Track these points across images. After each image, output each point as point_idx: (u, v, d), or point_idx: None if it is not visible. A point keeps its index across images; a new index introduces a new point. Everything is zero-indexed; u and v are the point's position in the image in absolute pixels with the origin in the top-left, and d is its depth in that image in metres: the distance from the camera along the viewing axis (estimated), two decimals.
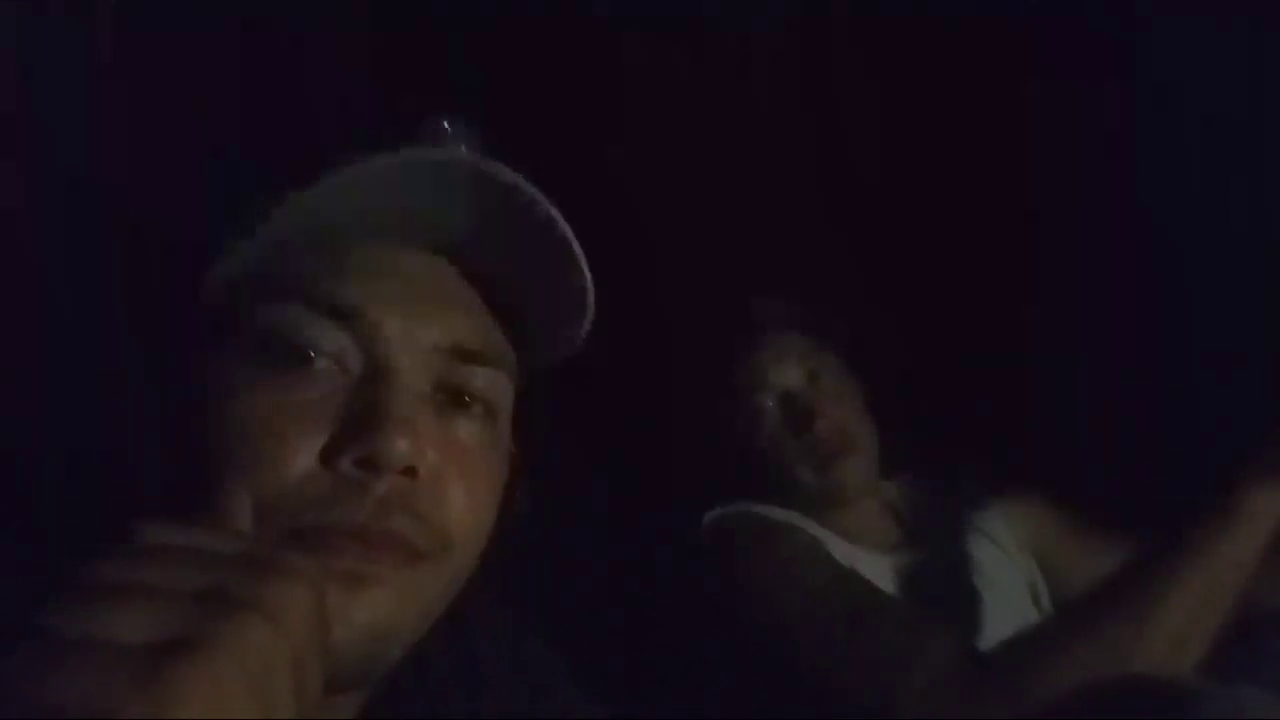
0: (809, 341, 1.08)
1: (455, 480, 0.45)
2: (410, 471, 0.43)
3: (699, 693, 0.94)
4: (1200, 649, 0.71)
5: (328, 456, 0.42)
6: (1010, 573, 1.07)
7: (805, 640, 0.83)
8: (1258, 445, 0.75)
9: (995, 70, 1.30)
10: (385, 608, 0.42)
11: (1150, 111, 1.24)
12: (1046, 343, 1.34)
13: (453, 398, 0.47)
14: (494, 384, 0.49)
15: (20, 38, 0.81)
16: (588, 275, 0.49)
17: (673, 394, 1.17)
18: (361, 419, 0.43)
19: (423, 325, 0.46)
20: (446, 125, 0.49)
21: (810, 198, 1.39)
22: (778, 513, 1.01)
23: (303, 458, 0.42)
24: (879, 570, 0.99)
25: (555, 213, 0.47)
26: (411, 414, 0.44)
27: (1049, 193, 1.35)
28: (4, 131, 0.76)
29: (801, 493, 1.03)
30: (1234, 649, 0.73)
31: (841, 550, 0.99)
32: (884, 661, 0.78)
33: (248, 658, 0.29)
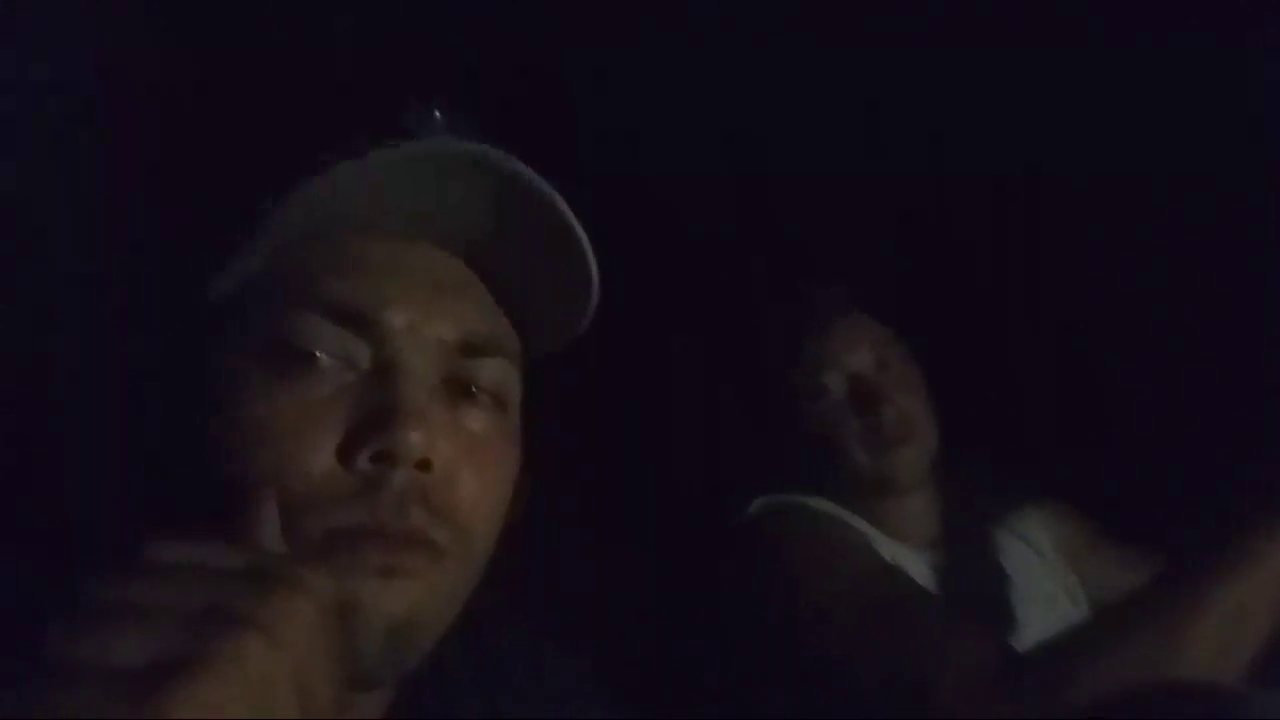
0: (881, 328, 1.07)
1: (468, 471, 0.45)
2: (425, 464, 0.43)
3: (734, 684, 0.94)
4: (1242, 659, 0.69)
5: (344, 454, 0.42)
6: (1046, 576, 1.06)
7: (845, 631, 0.83)
8: None
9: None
10: (416, 597, 0.42)
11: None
12: (1090, 350, 1.35)
13: (461, 390, 0.47)
14: (501, 374, 0.49)
15: (28, 42, 0.82)
16: (592, 260, 0.49)
17: (724, 375, 1.17)
18: (374, 415, 0.43)
19: (430, 321, 0.46)
20: (438, 114, 0.48)
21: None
22: (823, 504, 1.00)
23: (321, 457, 0.42)
24: (918, 566, 0.99)
25: (557, 197, 0.47)
26: (423, 408, 0.44)
27: (1077, 196, 1.36)
28: (10, 134, 0.77)
29: (853, 477, 1.02)
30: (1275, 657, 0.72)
31: (883, 545, 0.98)
32: (921, 656, 0.78)
33: (245, 676, 0.29)
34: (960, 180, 1.41)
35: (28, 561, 0.40)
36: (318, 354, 0.44)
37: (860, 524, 1.00)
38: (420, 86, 0.49)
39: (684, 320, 1.31)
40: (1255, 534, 0.71)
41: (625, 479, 1.24)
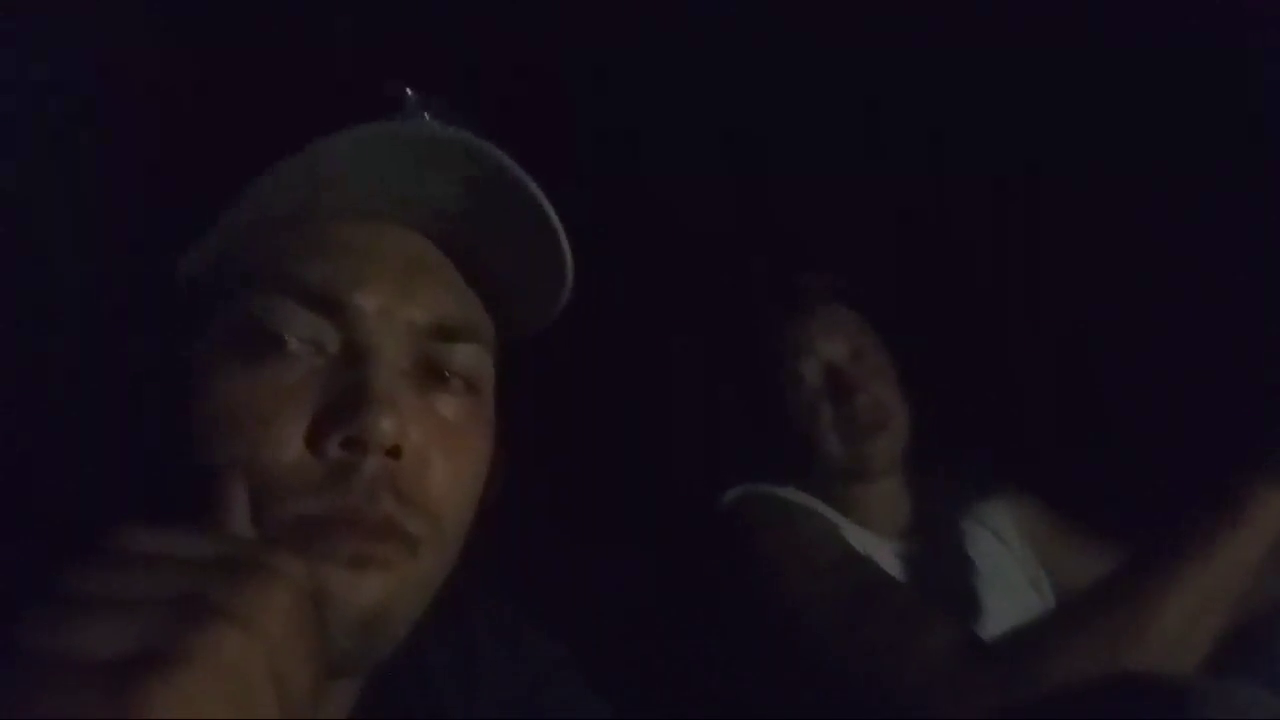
0: (857, 317, 1.09)
1: (440, 457, 0.45)
2: (395, 451, 0.42)
3: (708, 672, 0.95)
4: (1201, 648, 0.71)
5: (313, 440, 0.42)
6: (1012, 566, 1.08)
7: (814, 620, 0.85)
8: (1265, 446, 0.75)
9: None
10: (389, 587, 0.42)
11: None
12: (1090, 350, 1.35)
13: (433, 374, 0.47)
14: (474, 359, 0.48)
15: (28, 42, 0.82)
16: (565, 244, 0.48)
17: (697, 364, 1.18)
18: (344, 400, 0.42)
19: (401, 304, 0.45)
20: (410, 94, 0.48)
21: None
22: (794, 494, 1.02)
23: (290, 443, 0.41)
24: (887, 556, 1.01)
25: (528, 180, 0.46)
26: (393, 393, 0.43)
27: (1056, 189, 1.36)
28: (10, 134, 0.77)
29: (826, 465, 1.03)
30: (1235, 646, 0.73)
31: (853, 534, 0.99)
32: (889, 645, 0.79)
33: (222, 669, 0.29)
34: (960, 180, 1.41)
35: (27, 562, 0.40)
36: (288, 338, 0.43)
37: (830, 514, 1.02)
38: (420, 86, 0.48)
39: (684, 320, 1.31)
40: (1215, 525, 0.73)
41: (623, 474, 1.24)
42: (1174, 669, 0.70)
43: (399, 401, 0.43)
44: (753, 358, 1.09)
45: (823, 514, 1.01)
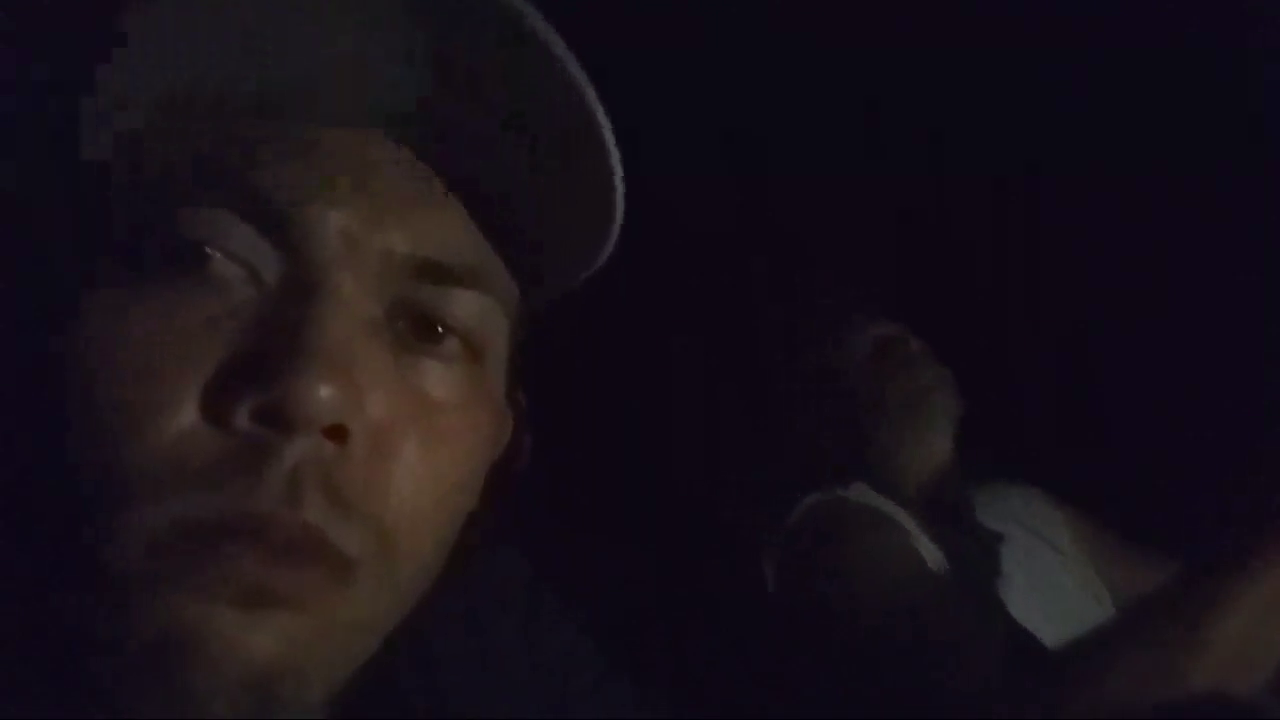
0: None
1: (408, 446, 0.31)
2: (337, 432, 0.29)
3: (761, 682, 0.94)
4: (1267, 666, 0.67)
5: (213, 404, 0.28)
6: (1073, 582, 1.06)
7: (880, 632, 0.83)
8: (1265, 447, 0.74)
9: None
10: (296, 636, 0.28)
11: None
12: (1091, 351, 1.35)
13: (419, 329, 0.34)
14: (479, 312, 0.35)
15: (28, 41, 0.82)
16: (615, 158, 0.35)
17: (724, 374, 1.18)
18: (269, 350, 0.29)
19: (375, 227, 0.32)
20: None
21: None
22: (866, 495, 0.99)
23: (181, 407, 0.28)
24: (948, 565, 0.99)
25: (568, 55, 0.33)
26: (346, 346, 0.30)
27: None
28: (10, 134, 0.76)
29: (882, 414, 1.03)
30: None
31: (922, 544, 0.98)
32: (951, 657, 0.78)
33: None
34: (960, 180, 1.41)
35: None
36: (211, 256, 0.30)
37: (902, 518, 0.99)
38: None
39: (684, 320, 1.31)
40: (1274, 539, 0.69)
41: (624, 478, 1.24)
42: (1239, 686, 0.66)
43: (354, 359, 0.30)
44: (805, 351, 1.09)
45: (897, 521, 0.98)
